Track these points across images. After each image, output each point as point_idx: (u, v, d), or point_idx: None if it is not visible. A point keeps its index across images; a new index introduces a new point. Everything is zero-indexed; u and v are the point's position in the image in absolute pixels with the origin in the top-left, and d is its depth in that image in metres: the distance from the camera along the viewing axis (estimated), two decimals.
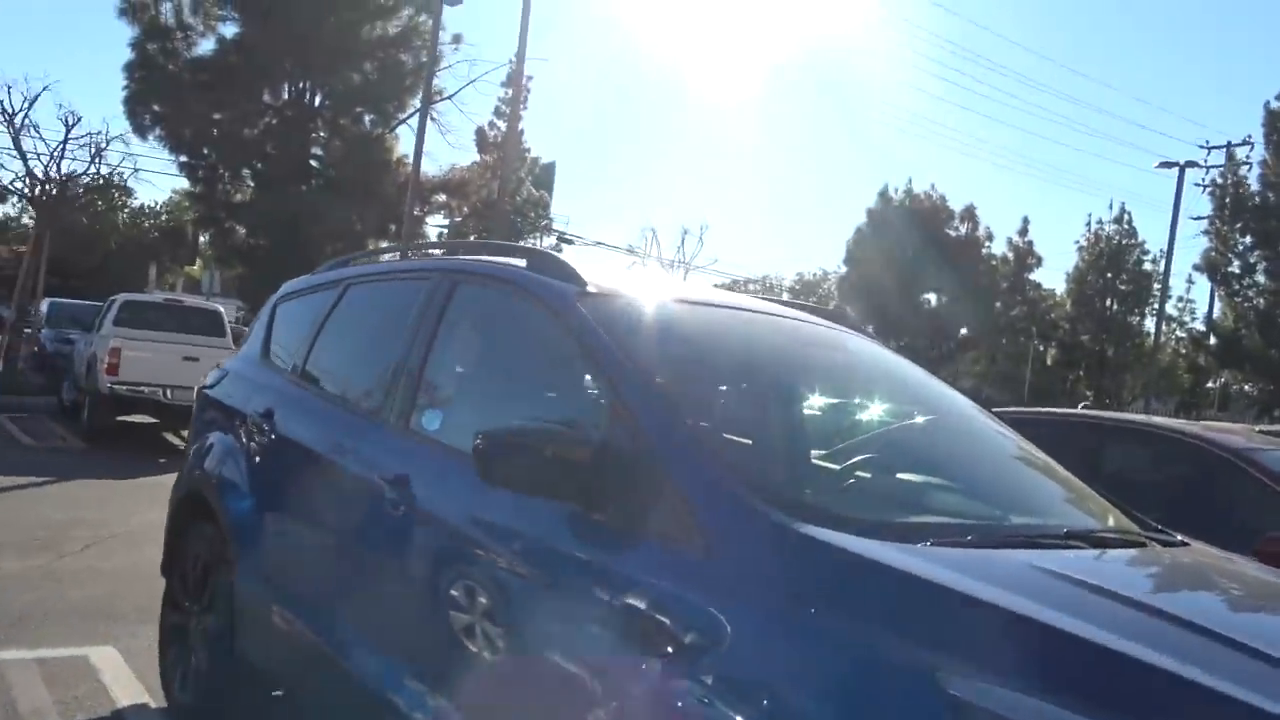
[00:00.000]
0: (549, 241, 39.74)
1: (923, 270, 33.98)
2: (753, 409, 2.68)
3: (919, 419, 2.87)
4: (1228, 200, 36.88)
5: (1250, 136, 37.40)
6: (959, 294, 35.02)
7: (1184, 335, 41.00)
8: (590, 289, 2.66)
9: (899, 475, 2.57)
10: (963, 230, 35.52)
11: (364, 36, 25.44)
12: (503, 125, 33.63)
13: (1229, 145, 37.58)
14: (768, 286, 70.12)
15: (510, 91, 25.30)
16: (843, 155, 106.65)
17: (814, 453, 2.68)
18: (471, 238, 29.97)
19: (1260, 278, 37.15)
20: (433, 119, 24.91)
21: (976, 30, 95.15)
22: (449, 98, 25.32)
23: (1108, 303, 38.22)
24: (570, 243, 36.00)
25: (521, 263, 2.96)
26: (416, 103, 24.66)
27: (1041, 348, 42.33)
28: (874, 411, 2.90)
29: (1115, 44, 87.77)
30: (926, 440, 2.80)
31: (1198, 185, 38.26)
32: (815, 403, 2.93)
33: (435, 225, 35.90)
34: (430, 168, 28.17)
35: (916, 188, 35.55)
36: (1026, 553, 2.01)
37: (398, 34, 25.94)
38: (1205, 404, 37.77)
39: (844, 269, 36.44)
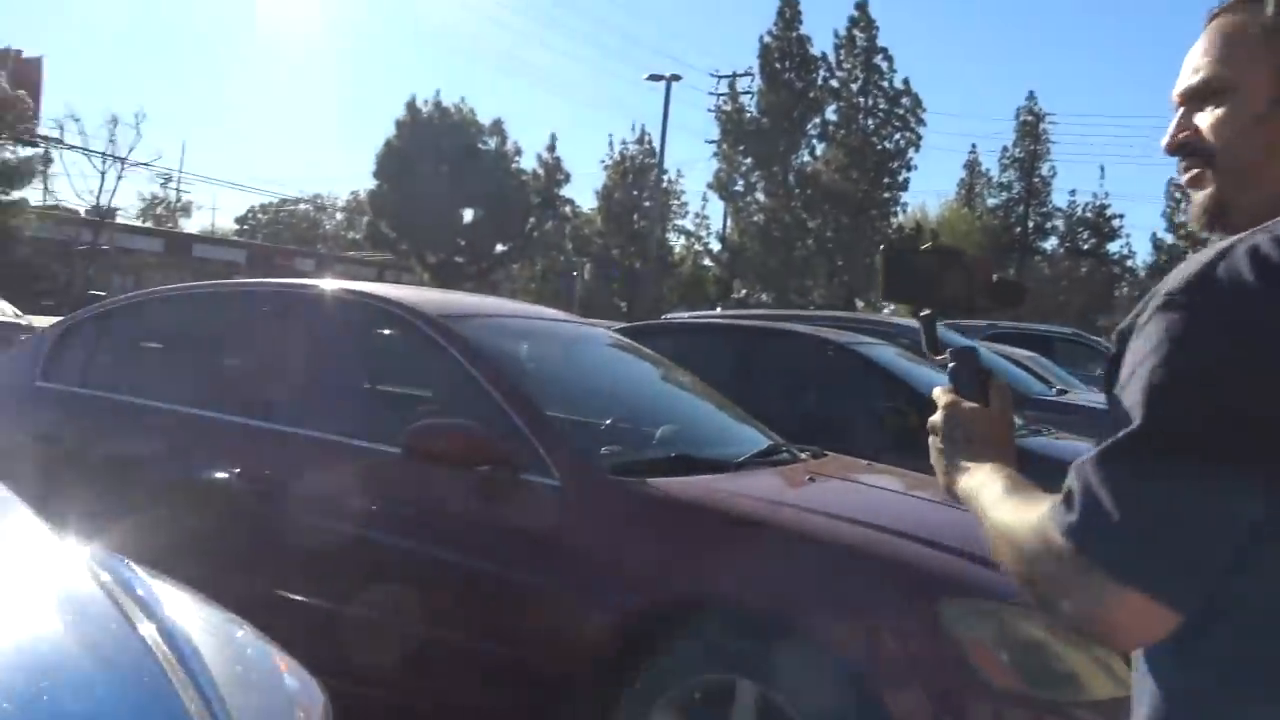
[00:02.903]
0: (29, 150, 34.24)
1: (455, 184, 33.62)
2: None
3: None
4: (731, 126, 40.55)
5: (751, 68, 41.30)
6: (493, 209, 35.18)
7: (702, 249, 44.87)
8: None
9: None
10: (492, 144, 35.56)
11: None
12: None
13: (733, 75, 41.16)
14: (319, 206, 66.67)
15: None
16: (373, 69, 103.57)
17: None
18: None
19: (760, 195, 41.47)
20: None
21: None
22: None
23: (634, 218, 40.55)
24: (36, 145, 31.35)
25: None
26: None
27: (584, 263, 44.10)
28: None
29: None
30: None
31: (710, 110, 41.60)
32: None
33: None
34: None
35: (446, 100, 34.96)
36: None
37: None
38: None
39: (375, 183, 35.12)
